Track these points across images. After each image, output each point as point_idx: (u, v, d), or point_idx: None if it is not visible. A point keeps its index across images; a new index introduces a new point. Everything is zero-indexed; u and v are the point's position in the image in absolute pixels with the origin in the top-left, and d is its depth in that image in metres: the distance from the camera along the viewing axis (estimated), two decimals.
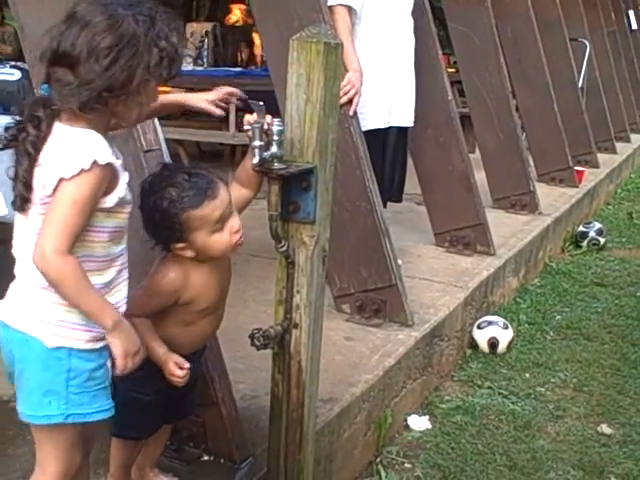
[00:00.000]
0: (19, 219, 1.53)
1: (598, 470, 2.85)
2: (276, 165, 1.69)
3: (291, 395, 1.98)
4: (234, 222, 1.76)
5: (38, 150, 1.45)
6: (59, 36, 1.44)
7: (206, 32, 8.73)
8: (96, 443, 1.81)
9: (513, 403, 3.34)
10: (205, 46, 8.90)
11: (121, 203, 1.53)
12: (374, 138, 3.50)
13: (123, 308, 1.59)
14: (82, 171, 1.42)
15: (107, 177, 1.47)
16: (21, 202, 1.49)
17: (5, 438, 2.14)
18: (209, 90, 1.93)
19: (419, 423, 3.09)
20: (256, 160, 1.66)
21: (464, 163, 4.26)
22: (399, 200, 4.01)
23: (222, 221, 1.73)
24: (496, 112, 5.26)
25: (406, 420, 3.09)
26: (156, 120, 2.17)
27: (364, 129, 3.32)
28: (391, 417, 2.91)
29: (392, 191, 3.87)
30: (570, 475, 2.81)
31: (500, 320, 3.88)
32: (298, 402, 1.99)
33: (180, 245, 1.74)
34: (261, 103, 1.63)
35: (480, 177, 4.77)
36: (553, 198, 6.00)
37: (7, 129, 1.50)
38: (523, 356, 3.83)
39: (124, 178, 1.53)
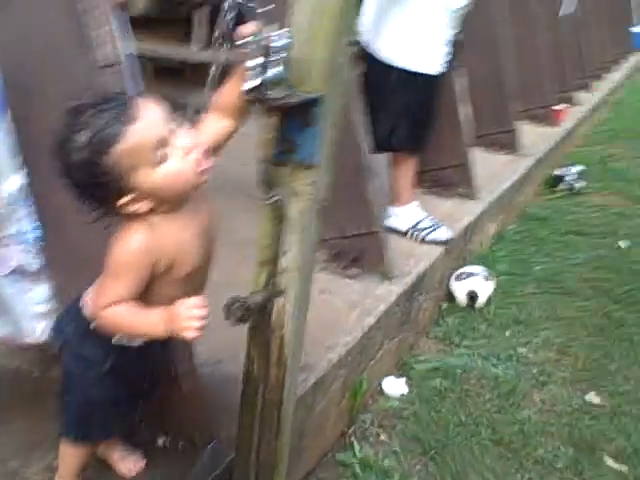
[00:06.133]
0: None
1: (589, 447, 2.60)
2: (276, 92, 1.26)
3: (270, 375, 1.63)
4: (182, 141, 1.31)
5: None
6: None
7: None
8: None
9: (494, 366, 3.05)
10: None
11: None
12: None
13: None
14: None
15: None
16: None
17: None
18: None
19: (395, 387, 2.78)
20: (252, 84, 1.22)
21: None
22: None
23: (163, 145, 1.28)
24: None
25: (380, 384, 2.78)
26: (114, 27, 1.70)
27: None
28: (366, 382, 2.59)
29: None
30: (560, 452, 2.55)
31: (482, 271, 3.57)
32: (277, 383, 1.63)
33: (127, 199, 1.30)
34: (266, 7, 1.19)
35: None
36: (532, 138, 5.66)
37: None
38: (502, 311, 3.54)
39: None
